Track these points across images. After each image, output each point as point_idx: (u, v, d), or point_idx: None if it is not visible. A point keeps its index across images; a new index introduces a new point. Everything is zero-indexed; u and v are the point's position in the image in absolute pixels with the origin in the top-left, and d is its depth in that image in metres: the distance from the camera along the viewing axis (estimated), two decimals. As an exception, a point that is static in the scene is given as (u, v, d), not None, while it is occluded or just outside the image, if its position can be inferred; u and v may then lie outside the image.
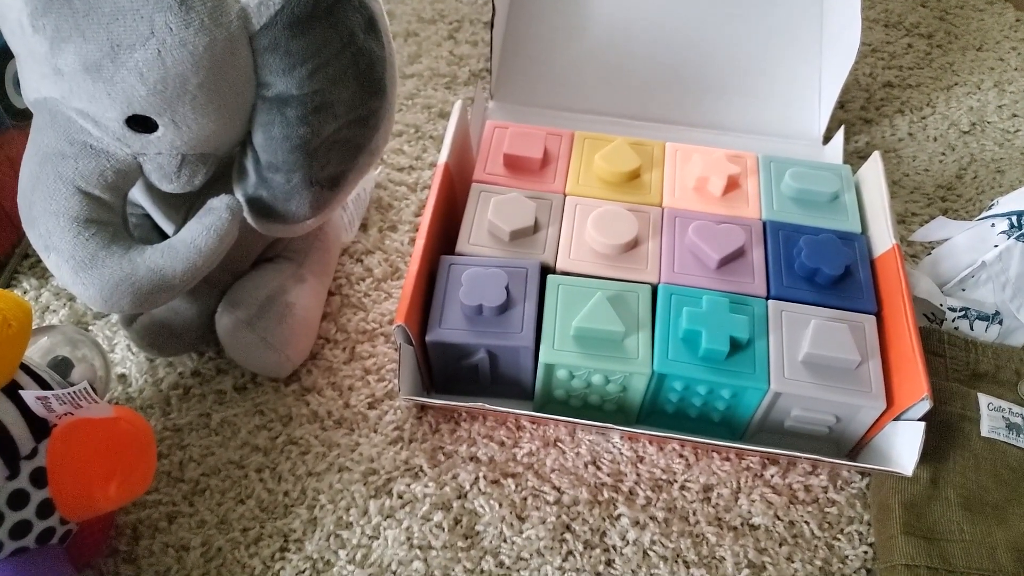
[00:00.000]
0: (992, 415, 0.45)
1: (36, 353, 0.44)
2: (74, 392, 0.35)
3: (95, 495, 0.37)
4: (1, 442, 0.34)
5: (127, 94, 0.36)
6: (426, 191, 0.60)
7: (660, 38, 0.65)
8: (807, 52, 0.65)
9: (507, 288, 0.45)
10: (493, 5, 0.59)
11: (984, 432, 0.44)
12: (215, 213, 0.40)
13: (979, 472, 0.43)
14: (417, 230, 0.57)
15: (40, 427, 0.36)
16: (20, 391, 0.35)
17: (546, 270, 0.47)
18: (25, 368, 0.38)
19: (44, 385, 0.38)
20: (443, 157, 0.51)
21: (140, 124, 0.38)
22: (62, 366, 0.44)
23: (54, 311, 0.53)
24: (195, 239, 0.40)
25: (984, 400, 0.45)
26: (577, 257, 0.47)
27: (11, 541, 0.35)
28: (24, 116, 0.53)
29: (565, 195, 0.50)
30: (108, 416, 0.37)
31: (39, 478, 0.36)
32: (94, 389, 0.36)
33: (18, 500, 0.35)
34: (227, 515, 0.44)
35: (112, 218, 0.40)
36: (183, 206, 0.46)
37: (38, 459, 0.36)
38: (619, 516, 0.44)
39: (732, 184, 0.51)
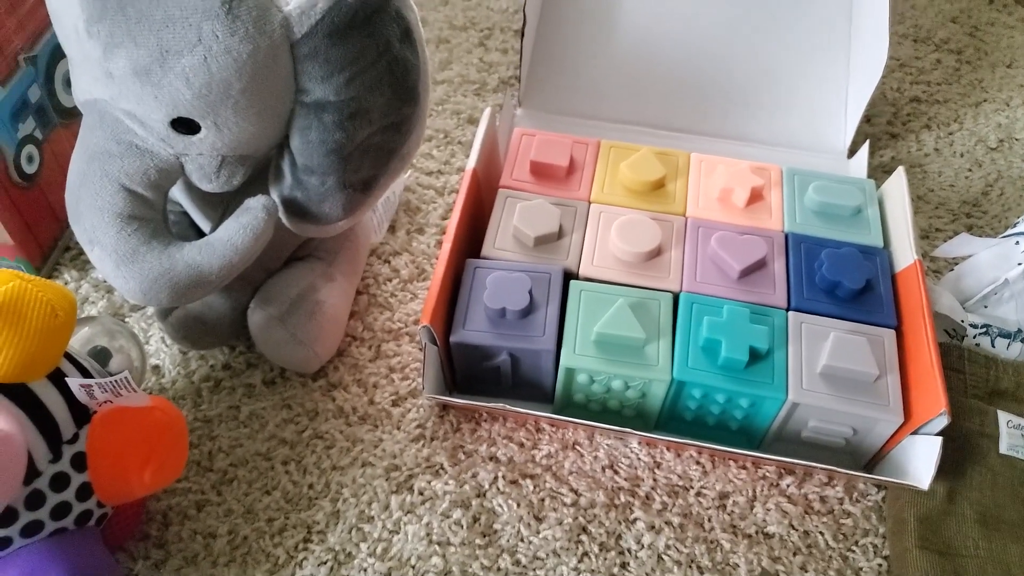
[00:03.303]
0: (1011, 433, 0.45)
1: (76, 342, 0.46)
2: (115, 381, 0.36)
3: (131, 480, 0.38)
4: (46, 426, 0.36)
5: (173, 97, 0.38)
6: (453, 195, 0.61)
7: (687, 49, 0.66)
8: (834, 65, 0.65)
9: (530, 292, 0.46)
10: (524, 14, 0.61)
11: (1003, 449, 0.44)
12: (251, 212, 0.42)
13: (996, 489, 0.43)
14: (444, 233, 0.58)
15: (81, 413, 0.38)
16: (66, 379, 0.37)
17: (569, 276, 0.48)
18: (68, 356, 0.39)
19: (85, 373, 0.40)
20: (471, 162, 0.52)
21: (184, 126, 0.40)
22: (101, 356, 0.46)
23: (93, 302, 0.55)
24: (232, 237, 0.42)
25: (1004, 418, 0.45)
26: (600, 264, 0.48)
27: (51, 521, 0.36)
28: (71, 115, 0.55)
29: (590, 203, 0.51)
30: (145, 405, 0.39)
31: (79, 462, 0.37)
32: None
33: (59, 482, 0.37)
34: (253, 505, 0.45)
35: (153, 215, 0.42)
36: (220, 205, 0.48)
37: (79, 444, 0.37)
38: (635, 520, 0.45)
39: (756, 196, 0.52)
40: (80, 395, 0.36)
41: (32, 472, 0.35)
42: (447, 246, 0.47)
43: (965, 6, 0.79)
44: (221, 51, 0.37)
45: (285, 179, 0.43)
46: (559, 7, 0.67)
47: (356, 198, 0.44)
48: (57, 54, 0.53)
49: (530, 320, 0.46)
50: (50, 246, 0.56)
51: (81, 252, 0.58)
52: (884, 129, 0.68)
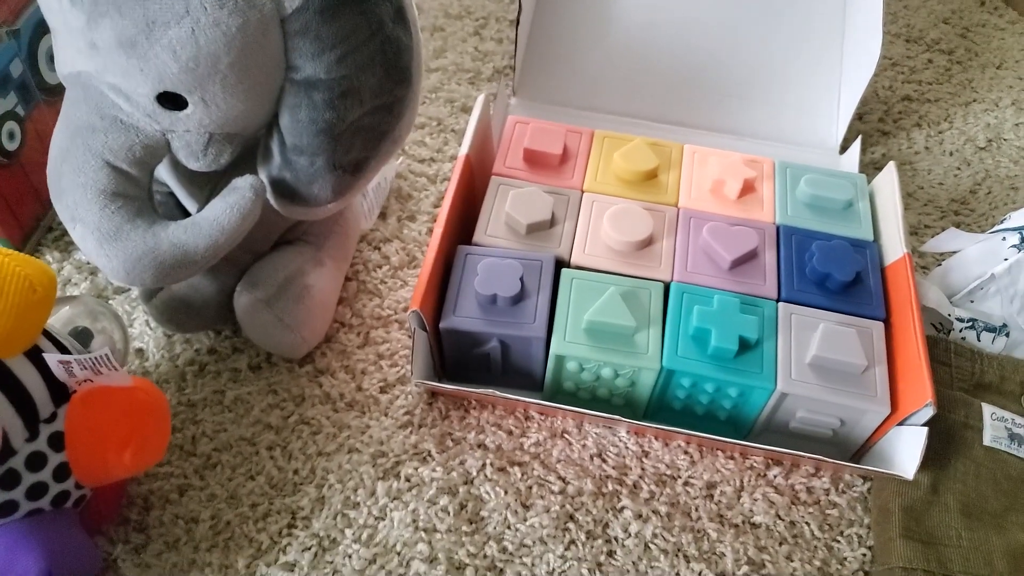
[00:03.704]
0: (995, 425, 0.45)
1: (57, 322, 0.45)
2: (95, 358, 0.36)
3: (110, 461, 0.37)
4: (22, 404, 0.35)
5: (159, 71, 0.37)
6: (445, 183, 0.61)
7: (682, 42, 0.66)
8: (828, 62, 0.65)
9: (521, 279, 0.45)
10: (520, 3, 0.60)
11: (986, 441, 0.44)
12: (239, 192, 0.41)
13: (979, 480, 0.43)
14: (435, 220, 0.58)
15: (60, 392, 0.37)
16: (43, 355, 0.36)
17: (560, 264, 0.48)
18: (47, 335, 0.38)
19: (65, 352, 0.39)
20: (464, 148, 0.51)
21: (170, 101, 0.39)
22: (82, 336, 0.45)
23: (75, 284, 0.54)
24: (218, 217, 0.41)
25: (988, 410, 0.45)
26: (592, 252, 0.48)
27: (27, 502, 0.36)
28: (54, 92, 0.54)
29: (582, 191, 0.51)
30: (126, 385, 0.38)
31: (57, 442, 0.36)
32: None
33: (36, 462, 0.36)
34: (237, 490, 0.45)
35: (138, 193, 0.41)
36: (207, 185, 0.47)
37: (57, 423, 0.37)
38: (622, 508, 0.45)
39: (748, 188, 0.52)
40: (58, 372, 0.36)
41: (7, 451, 0.34)
42: (438, 231, 0.47)
43: (957, 7, 0.80)
44: (209, 23, 0.36)
45: (274, 159, 0.43)
46: (554, -4, 0.67)
47: (346, 180, 0.44)
48: (40, 29, 0.52)
49: (521, 307, 0.45)
50: (31, 226, 0.55)
51: (64, 233, 0.57)
52: (875, 127, 0.69)
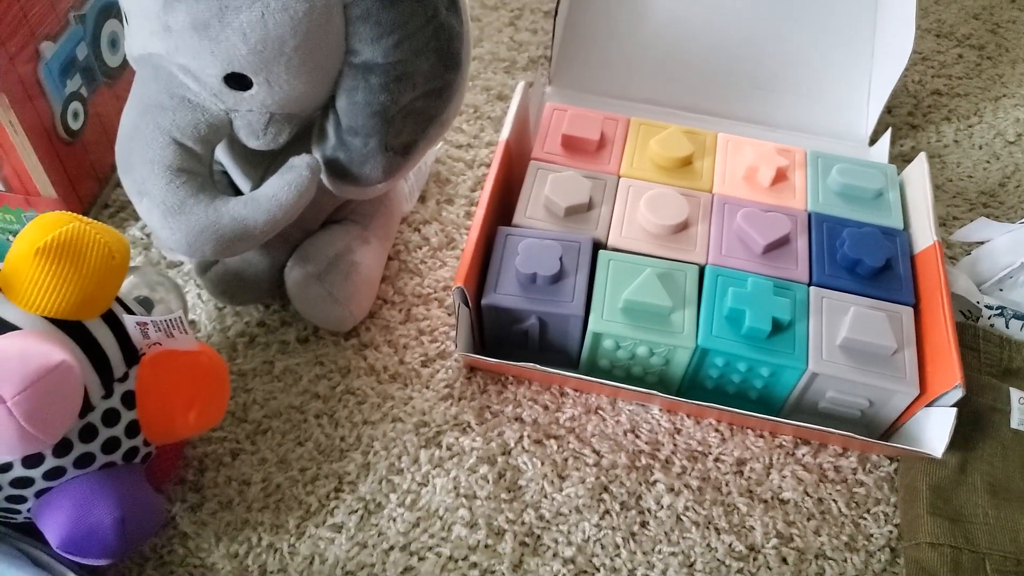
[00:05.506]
0: (1023, 408, 0.46)
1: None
2: (169, 320, 0.38)
3: (176, 420, 0.40)
4: (100, 363, 0.37)
5: (229, 52, 0.39)
6: (482, 168, 0.63)
7: (716, 34, 0.67)
8: (859, 55, 0.67)
9: (560, 259, 0.47)
10: (557, -7, 0.62)
11: (1014, 424, 0.46)
12: (296, 170, 0.43)
13: (1007, 461, 0.44)
14: (473, 204, 0.60)
15: (131, 354, 0.39)
16: (123, 317, 0.38)
17: (598, 246, 0.50)
18: (119, 300, 0.41)
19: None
20: (504, 134, 0.53)
21: (236, 82, 0.41)
22: (143, 306, 0.47)
23: (130, 259, 0.56)
24: (276, 193, 0.43)
25: (1016, 394, 0.47)
26: (628, 235, 0.50)
27: (102, 455, 0.38)
28: (114, 76, 0.57)
29: (619, 176, 0.53)
30: (193, 349, 0.40)
31: (129, 400, 0.39)
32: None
33: (110, 418, 0.38)
34: (286, 455, 0.47)
35: (201, 169, 0.44)
36: (261, 165, 0.49)
37: (128, 383, 0.39)
38: (655, 482, 0.46)
39: (780, 176, 0.53)
40: (134, 333, 0.38)
41: (86, 406, 0.37)
42: (480, 213, 0.49)
43: (987, 3, 0.81)
44: (279, 8, 0.38)
45: (329, 139, 0.45)
46: (591, -12, 0.69)
47: (396, 161, 0.46)
48: (104, 14, 0.55)
49: (560, 286, 0.47)
50: (90, 202, 0.58)
51: (119, 210, 0.59)
52: (905, 120, 0.70)
